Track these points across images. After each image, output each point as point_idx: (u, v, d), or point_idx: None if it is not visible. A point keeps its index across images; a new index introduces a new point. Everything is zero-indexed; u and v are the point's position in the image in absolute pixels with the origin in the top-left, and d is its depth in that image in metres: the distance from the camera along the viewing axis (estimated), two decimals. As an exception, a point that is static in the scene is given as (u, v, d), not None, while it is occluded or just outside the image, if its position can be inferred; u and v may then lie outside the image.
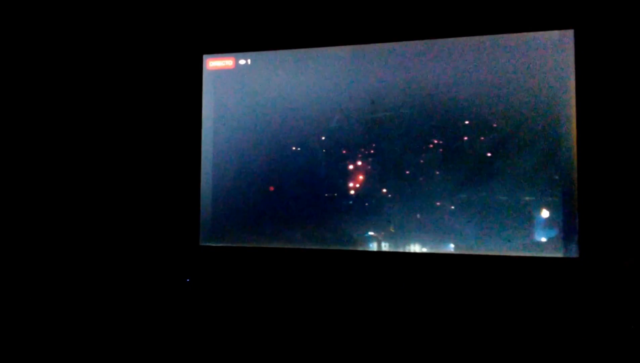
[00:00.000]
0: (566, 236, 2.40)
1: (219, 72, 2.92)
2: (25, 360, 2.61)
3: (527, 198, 2.45)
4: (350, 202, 2.70)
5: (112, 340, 2.67)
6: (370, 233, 2.66)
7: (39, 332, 2.72)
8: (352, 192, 2.69)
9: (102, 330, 2.71)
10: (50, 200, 2.95)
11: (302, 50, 2.78)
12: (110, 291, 2.83)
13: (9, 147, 2.97)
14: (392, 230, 2.63)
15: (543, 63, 2.45)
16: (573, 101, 2.40)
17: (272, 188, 2.81)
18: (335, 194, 2.72)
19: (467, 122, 2.54)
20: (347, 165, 2.70)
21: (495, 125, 2.50)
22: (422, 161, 2.60)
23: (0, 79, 2.99)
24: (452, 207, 2.54)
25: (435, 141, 2.58)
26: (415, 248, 2.60)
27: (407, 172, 2.62)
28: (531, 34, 2.48)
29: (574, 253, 2.38)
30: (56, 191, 2.96)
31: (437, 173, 2.58)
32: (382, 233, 2.65)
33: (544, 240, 2.44)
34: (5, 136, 2.97)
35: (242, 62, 2.89)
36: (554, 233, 2.42)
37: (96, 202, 2.94)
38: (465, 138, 2.54)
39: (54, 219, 2.94)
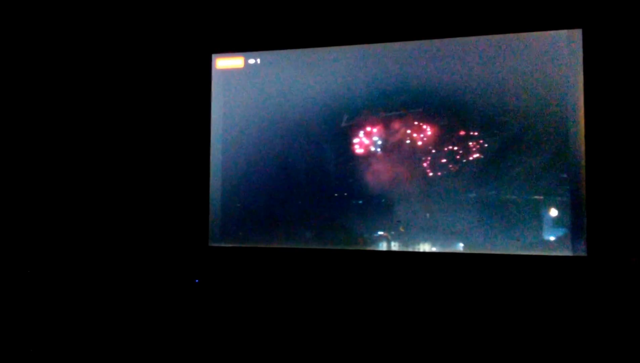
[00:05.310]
0: (575, 234, 2.41)
1: (228, 72, 2.90)
2: (34, 359, 2.60)
3: (535, 197, 2.46)
4: (360, 202, 2.70)
5: (122, 339, 2.66)
6: (380, 232, 2.67)
7: (50, 331, 2.71)
8: (361, 192, 2.69)
9: (113, 329, 2.70)
10: (60, 201, 2.93)
11: (312, 49, 2.77)
12: (120, 291, 2.81)
13: (19, 149, 2.95)
14: (402, 230, 2.63)
15: (551, 62, 2.46)
16: (581, 100, 2.40)
17: (281, 188, 2.80)
18: (345, 194, 2.71)
19: (475, 121, 2.54)
20: (356, 165, 2.70)
21: (503, 124, 2.50)
22: (431, 160, 2.60)
23: (9, 80, 2.97)
24: (461, 206, 2.55)
25: (444, 141, 2.59)
26: (425, 247, 2.60)
27: (417, 172, 2.62)
28: (540, 34, 2.48)
29: (582, 251, 2.39)
30: (64, 191, 2.94)
31: (446, 172, 2.58)
32: (392, 233, 2.65)
33: (552, 238, 2.45)
34: (16, 138, 2.95)
35: (251, 61, 2.87)
36: (562, 231, 2.44)
37: (103, 202, 2.92)
38: (474, 137, 2.55)
39: (65, 220, 2.92)
